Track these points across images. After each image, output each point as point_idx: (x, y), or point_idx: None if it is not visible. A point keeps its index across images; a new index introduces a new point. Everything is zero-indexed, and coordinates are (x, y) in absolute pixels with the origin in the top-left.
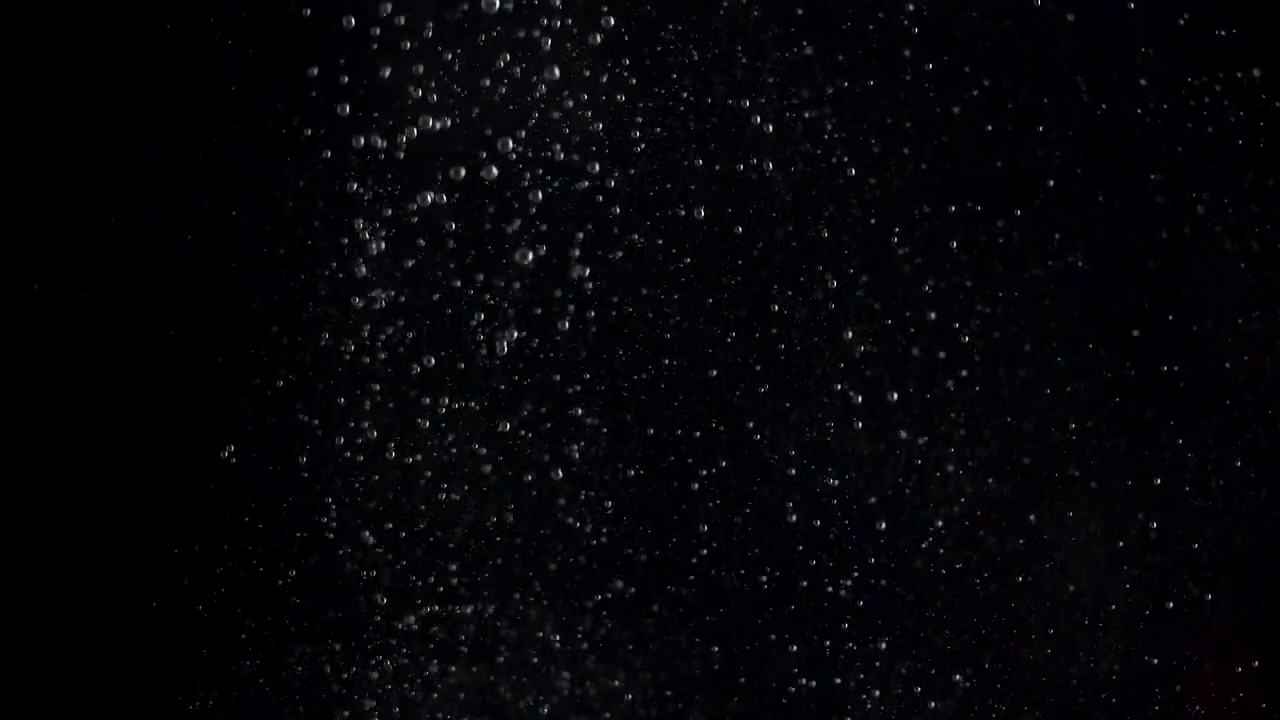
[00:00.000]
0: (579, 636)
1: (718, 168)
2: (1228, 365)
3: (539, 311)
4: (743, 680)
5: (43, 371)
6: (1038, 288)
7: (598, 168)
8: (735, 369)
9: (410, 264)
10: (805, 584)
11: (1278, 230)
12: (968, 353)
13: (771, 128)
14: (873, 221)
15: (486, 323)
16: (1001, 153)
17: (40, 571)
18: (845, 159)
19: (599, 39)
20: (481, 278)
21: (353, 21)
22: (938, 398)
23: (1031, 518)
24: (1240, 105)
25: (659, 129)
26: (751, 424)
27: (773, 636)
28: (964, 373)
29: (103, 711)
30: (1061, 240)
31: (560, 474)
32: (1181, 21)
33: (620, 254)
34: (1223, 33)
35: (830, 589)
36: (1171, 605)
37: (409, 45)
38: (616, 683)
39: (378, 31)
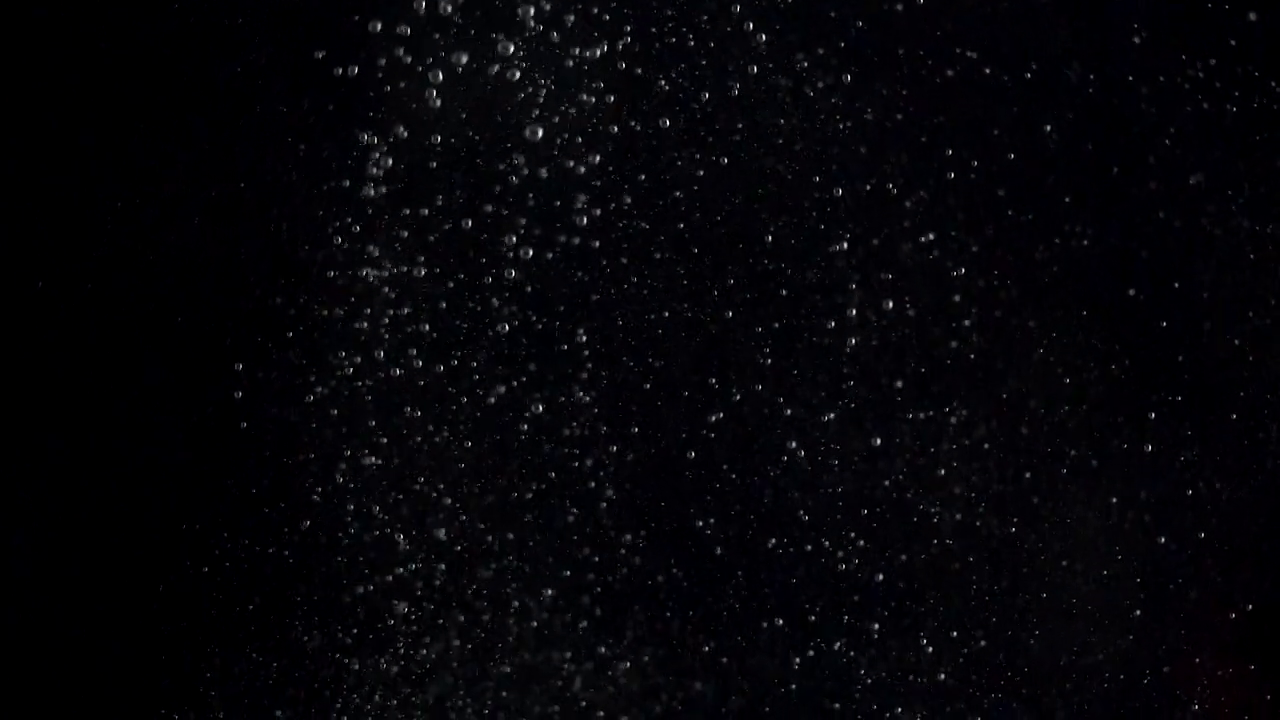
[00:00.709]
0: (582, 633)
1: (716, 161)
2: (1232, 360)
3: (541, 310)
4: (745, 675)
5: (43, 370)
6: (1041, 281)
7: (600, 166)
8: (737, 364)
9: (412, 263)
10: (809, 578)
11: None
12: (969, 348)
13: (771, 122)
14: (873, 216)
15: (488, 322)
16: (1003, 147)
17: (40, 571)
18: (845, 155)
19: (599, 36)
20: (483, 277)
21: (355, 18)
22: (939, 392)
23: (1034, 513)
24: (1247, 97)
25: (660, 123)
26: (753, 424)
27: (776, 630)
28: (965, 367)
29: (103, 711)
30: (1065, 234)
31: (562, 474)
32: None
33: (622, 252)
34: (1231, 21)
35: (834, 580)
36: (1172, 602)
37: (410, 44)
38: (619, 681)
39: (378, 27)
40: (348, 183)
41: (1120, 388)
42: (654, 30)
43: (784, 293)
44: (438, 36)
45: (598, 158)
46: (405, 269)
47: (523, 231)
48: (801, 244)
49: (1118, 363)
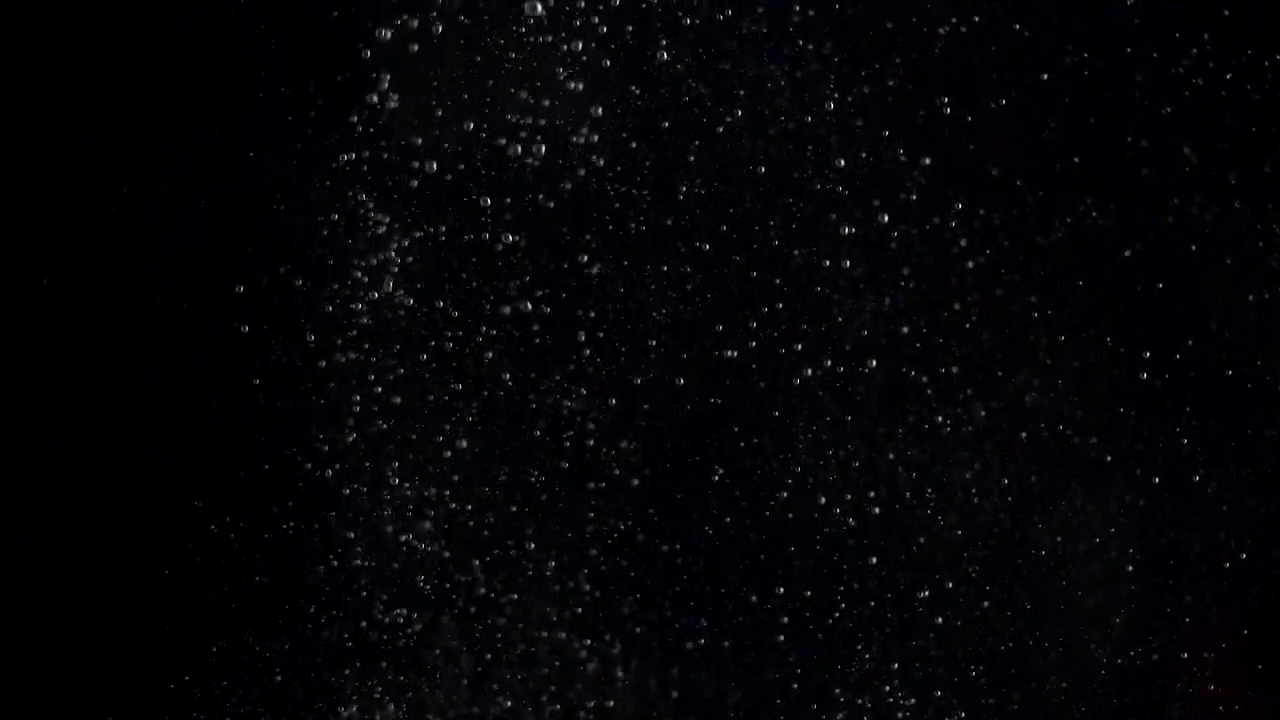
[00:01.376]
0: (583, 640)
1: (717, 159)
2: (1235, 358)
3: (542, 310)
4: (748, 673)
5: (43, 370)
6: (1044, 279)
7: (603, 164)
8: (740, 367)
9: (413, 261)
10: (809, 584)
11: None
12: (972, 346)
13: (770, 120)
14: (875, 216)
15: (489, 321)
16: (1004, 148)
17: (40, 571)
18: (846, 153)
19: (600, 32)
20: (485, 276)
21: (356, 18)
22: (940, 388)
23: (1035, 512)
24: (1250, 97)
25: (660, 120)
26: (755, 422)
27: (779, 637)
28: (967, 365)
29: (103, 711)
30: (1067, 233)
31: (563, 475)
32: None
33: (622, 251)
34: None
35: (836, 586)
36: (1173, 602)
37: (410, 44)
38: (625, 679)
39: (379, 28)
40: (348, 181)
41: (1122, 386)
42: (653, 27)
43: (784, 289)
44: (438, 35)
45: (598, 154)
46: (406, 267)
47: (524, 228)
48: (802, 239)
49: (1121, 361)
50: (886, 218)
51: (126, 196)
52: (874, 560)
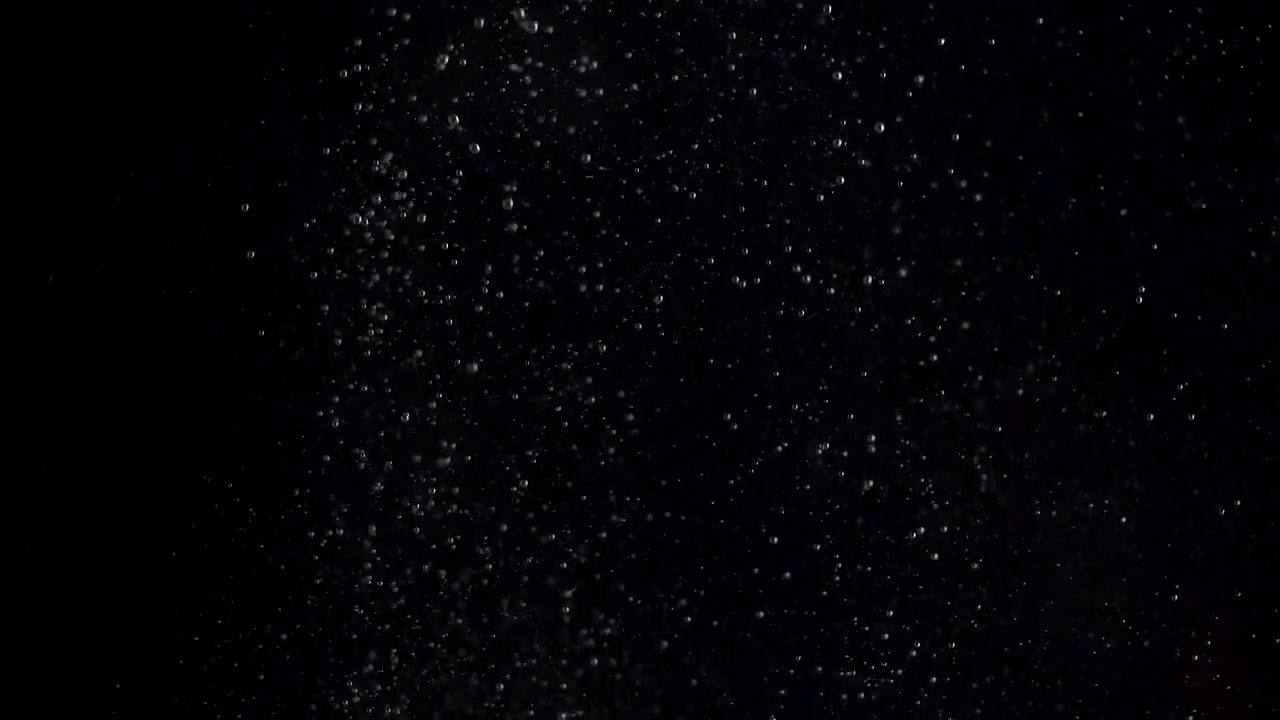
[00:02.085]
0: (587, 640)
1: (717, 157)
2: (1236, 357)
3: (546, 303)
4: (748, 671)
5: (43, 370)
6: (1043, 278)
7: (605, 163)
8: (738, 360)
9: (415, 262)
10: (815, 580)
11: None
12: (973, 345)
13: (771, 109)
14: (875, 215)
15: (493, 316)
16: (1004, 144)
17: (40, 571)
18: (844, 153)
19: (600, 31)
20: (484, 276)
21: (356, 17)
22: (940, 387)
23: (1036, 511)
24: (1249, 95)
25: (662, 118)
26: (757, 422)
27: (779, 626)
28: (967, 365)
29: (103, 711)
30: (1069, 228)
31: (565, 470)
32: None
33: (626, 249)
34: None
35: (837, 579)
36: (1173, 601)
37: (410, 43)
38: (625, 682)
39: (379, 27)
40: (348, 180)
41: (1123, 385)
42: (652, 25)
43: (784, 286)
44: (438, 34)
45: (599, 151)
46: (407, 266)
47: (526, 227)
48: (801, 236)
49: (1121, 359)
50: (887, 209)
51: (126, 196)
52: (876, 553)
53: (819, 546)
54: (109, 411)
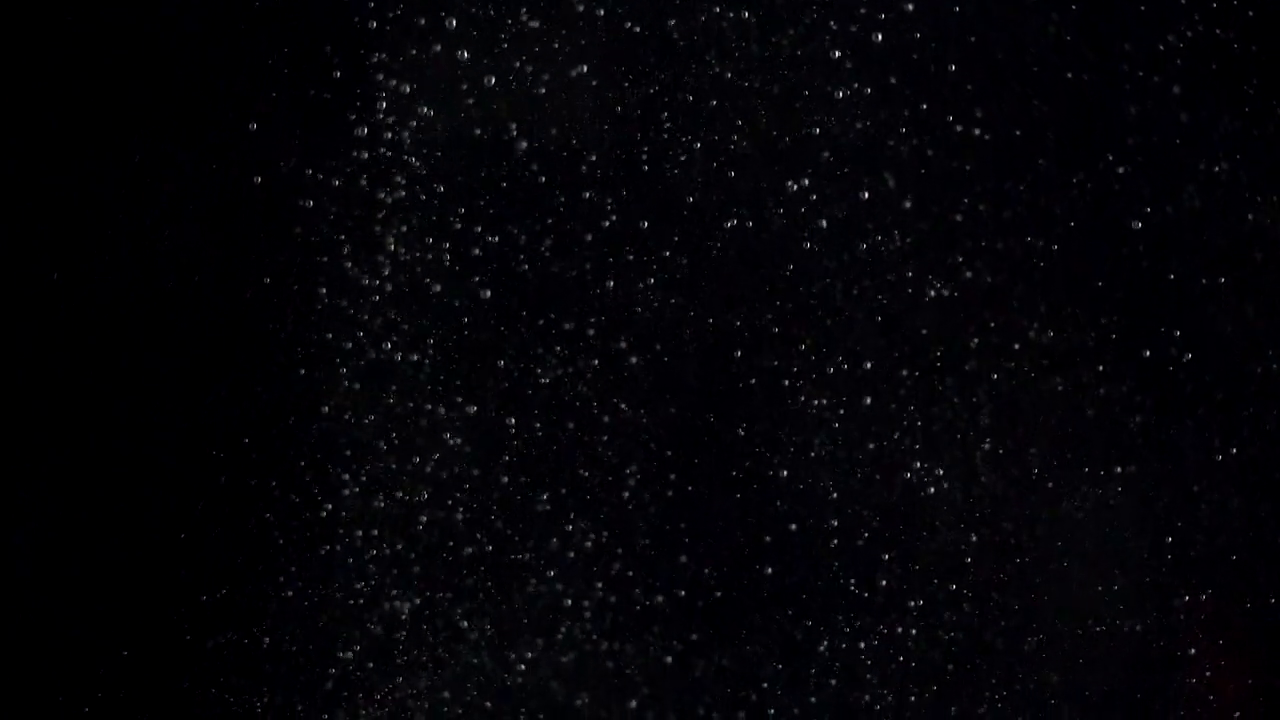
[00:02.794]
0: (589, 636)
1: (715, 155)
2: (1237, 356)
3: (545, 309)
4: (752, 670)
5: (43, 370)
6: (1045, 277)
7: (607, 161)
8: (740, 360)
9: (415, 261)
10: (816, 580)
11: None
12: (974, 343)
13: (771, 112)
14: (876, 213)
15: (492, 321)
16: (1005, 144)
17: (40, 571)
18: (842, 152)
19: (600, 29)
20: (486, 275)
21: (356, 17)
22: (942, 387)
23: (1036, 511)
24: (1249, 97)
25: (661, 112)
26: (759, 421)
27: (784, 626)
28: (969, 363)
29: (103, 711)
30: (1068, 229)
31: (566, 475)
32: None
33: (626, 248)
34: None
35: (838, 576)
36: (1173, 602)
37: (409, 41)
38: (631, 685)
39: (378, 26)
40: (349, 180)
41: (1123, 384)
42: (651, 24)
43: (786, 285)
44: (437, 33)
45: (600, 149)
46: (407, 266)
47: (526, 225)
48: (802, 235)
49: (1122, 360)
50: (889, 210)
51: (127, 196)
52: (878, 554)
53: (821, 544)
54: (109, 411)
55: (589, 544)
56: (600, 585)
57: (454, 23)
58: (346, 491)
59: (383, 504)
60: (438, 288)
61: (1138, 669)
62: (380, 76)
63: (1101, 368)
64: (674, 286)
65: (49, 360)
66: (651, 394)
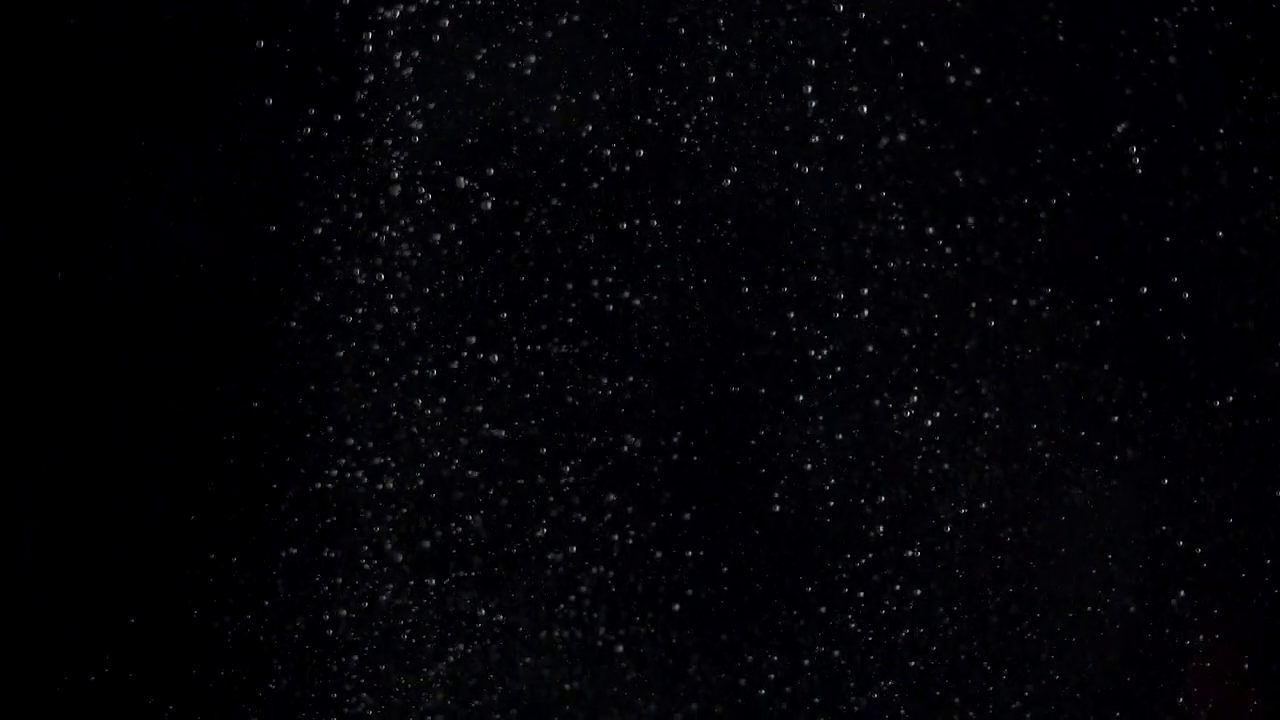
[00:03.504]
0: (592, 639)
1: (722, 151)
2: (1237, 356)
3: (545, 308)
4: (751, 671)
5: (43, 370)
6: (1045, 277)
7: (605, 161)
8: (742, 357)
9: (415, 261)
10: (815, 573)
11: None
12: (975, 344)
13: (775, 109)
14: (878, 205)
15: (493, 320)
16: (1004, 144)
17: (41, 572)
18: (841, 147)
19: (602, 29)
20: (487, 275)
21: (354, 16)
22: (942, 387)
23: (1036, 512)
24: (1250, 99)
25: (665, 111)
26: (758, 419)
27: (784, 627)
28: (970, 363)
29: (104, 711)
30: (1068, 228)
31: (568, 474)
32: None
33: (628, 246)
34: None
35: (839, 584)
36: (1173, 602)
37: (410, 41)
38: (630, 683)
39: (378, 26)
40: (350, 179)
41: (1123, 384)
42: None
43: (787, 284)
44: (437, 31)
45: (601, 147)
46: (407, 265)
47: (527, 225)
48: (804, 234)
49: (1122, 359)
50: (889, 208)
51: (126, 197)
52: (877, 555)
53: (820, 537)
54: (110, 411)
55: (589, 543)
56: (600, 584)
57: (456, 21)
58: (347, 491)
59: (384, 504)
60: (438, 286)
61: (1139, 665)
62: (380, 71)
63: (1103, 361)
64: (676, 278)
65: (49, 360)
66: (653, 389)
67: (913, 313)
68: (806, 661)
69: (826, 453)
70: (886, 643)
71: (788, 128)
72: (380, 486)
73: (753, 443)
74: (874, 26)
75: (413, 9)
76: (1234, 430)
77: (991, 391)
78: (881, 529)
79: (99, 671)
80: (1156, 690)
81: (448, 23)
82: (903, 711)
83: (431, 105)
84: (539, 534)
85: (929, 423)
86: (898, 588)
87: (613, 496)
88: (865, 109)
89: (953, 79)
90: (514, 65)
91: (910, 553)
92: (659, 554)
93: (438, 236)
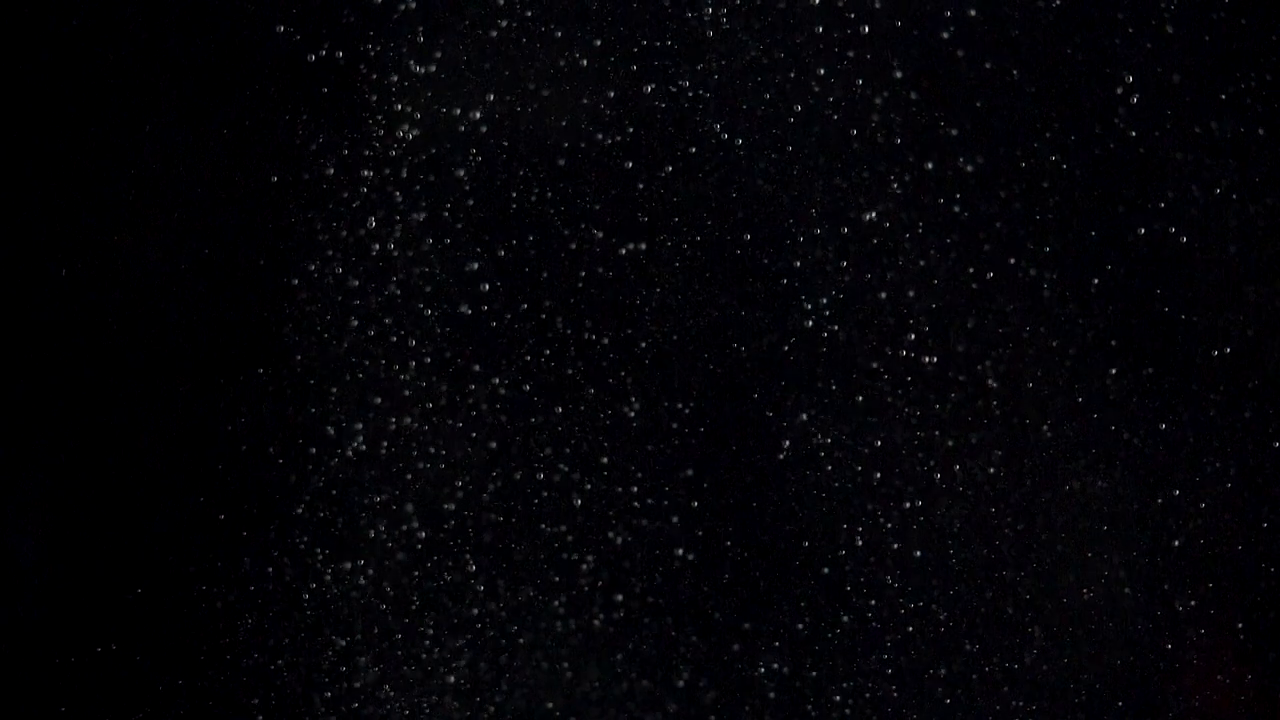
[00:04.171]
0: (591, 636)
1: (725, 148)
2: (1237, 355)
3: (545, 309)
4: (750, 675)
5: (43, 370)
6: (1045, 277)
7: (606, 156)
8: (744, 360)
9: (413, 260)
10: (815, 578)
11: None
12: (977, 342)
13: (779, 108)
14: (878, 206)
15: (490, 320)
16: (1003, 143)
17: (41, 572)
18: (840, 147)
19: (598, 24)
20: (485, 274)
21: (354, 15)
22: (935, 390)
23: (1036, 512)
24: (1247, 98)
25: (666, 108)
26: (759, 419)
27: (785, 629)
28: (965, 365)
29: (104, 711)
30: (1067, 228)
31: (568, 474)
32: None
33: (628, 246)
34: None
35: (839, 581)
36: (1173, 602)
37: (409, 40)
38: (633, 688)
39: (377, 24)
40: (350, 180)
41: (1123, 384)
42: (654, 23)
43: (788, 285)
44: (436, 31)
45: (602, 147)
46: (406, 265)
47: (527, 224)
48: (805, 234)
49: (1123, 357)
50: (891, 207)
51: (127, 197)
52: (877, 557)
53: (825, 543)
54: (111, 412)
55: (589, 540)
56: (600, 581)
57: (456, 20)
58: (350, 490)
59: (384, 503)
60: (438, 286)
61: (1139, 663)
62: (380, 71)
63: (1105, 359)
64: (677, 280)
65: (49, 360)
66: (654, 388)
67: (915, 307)
68: (807, 661)
69: (827, 449)
70: (886, 641)
71: (790, 119)
72: (385, 484)
73: (753, 440)
74: (876, 14)
75: (413, 8)
76: (1234, 429)
77: (993, 388)
78: (881, 528)
79: (99, 671)
80: (1156, 688)
81: (448, 23)
82: (903, 710)
83: (431, 105)
84: (539, 530)
85: (930, 420)
86: (898, 586)
87: (618, 490)
88: (868, 99)
89: (954, 68)
90: (514, 64)
91: (910, 551)
92: (658, 552)
93: (437, 235)
